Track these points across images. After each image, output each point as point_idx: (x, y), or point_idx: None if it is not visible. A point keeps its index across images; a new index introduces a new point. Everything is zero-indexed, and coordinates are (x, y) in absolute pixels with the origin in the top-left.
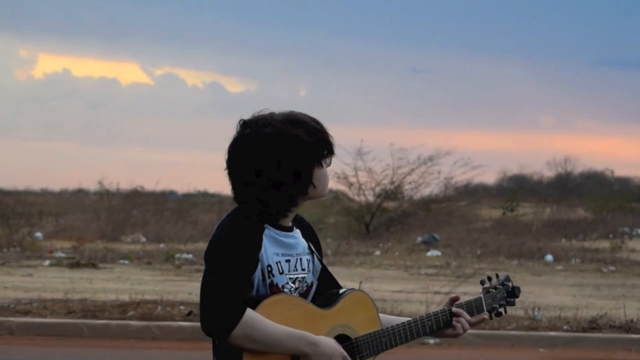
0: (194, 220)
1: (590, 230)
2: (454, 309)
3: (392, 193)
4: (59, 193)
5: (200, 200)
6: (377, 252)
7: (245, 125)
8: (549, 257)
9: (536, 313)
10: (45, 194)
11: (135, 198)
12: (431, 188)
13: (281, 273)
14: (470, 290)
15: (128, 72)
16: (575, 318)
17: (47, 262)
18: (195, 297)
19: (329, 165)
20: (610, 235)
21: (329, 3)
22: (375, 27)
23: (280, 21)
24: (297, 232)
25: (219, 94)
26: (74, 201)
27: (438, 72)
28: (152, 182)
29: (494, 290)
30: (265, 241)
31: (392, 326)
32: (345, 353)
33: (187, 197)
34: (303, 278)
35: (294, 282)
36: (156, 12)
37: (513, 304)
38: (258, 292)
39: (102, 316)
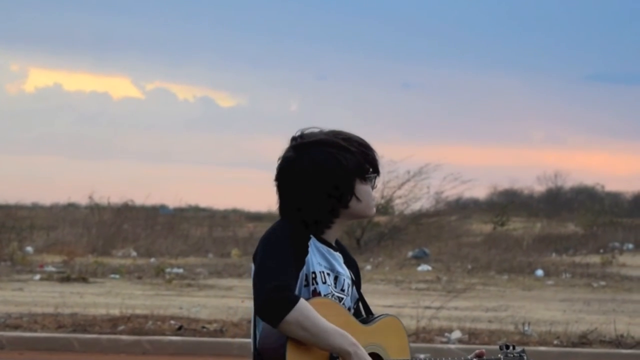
0: (185, 235)
1: (580, 245)
2: None
3: (383, 207)
4: (49, 207)
5: (192, 214)
6: (368, 267)
7: (294, 138)
8: (540, 272)
9: (526, 328)
10: (36, 208)
11: (126, 212)
12: (422, 203)
13: (324, 283)
14: (461, 305)
15: (119, 87)
16: (565, 333)
17: (37, 277)
18: (186, 311)
19: (374, 186)
20: (601, 250)
21: (320, 17)
22: (367, 41)
23: (271, 35)
24: (339, 255)
25: (210, 108)
26: (64, 215)
27: (429, 87)
28: (143, 197)
29: (511, 356)
30: (310, 249)
31: (424, 358)
32: None
33: (178, 211)
34: (342, 299)
35: (332, 297)
36: (147, 27)
37: None
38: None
39: (92, 330)
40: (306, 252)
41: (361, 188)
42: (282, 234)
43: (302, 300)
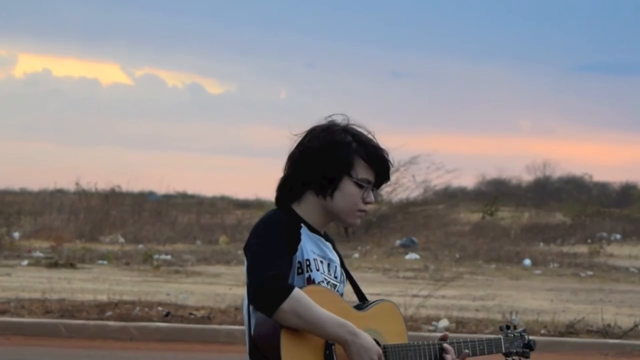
0: (173, 221)
1: (568, 235)
2: (444, 345)
3: None
4: (37, 193)
5: (179, 201)
6: (356, 255)
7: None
8: (527, 262)
9: (513, 317)
10: (24, 193)
11: (114, 198)
12: (410, 191)
13: (318, 270)
14: (448, 294)
15: (108, 73)
16: (552, 322)
17: (25, 262)
18: (174, 297)
19: (360, 191)
20: (589, 240)
21: (310, 5)
22: (356, 30)
23: (261, 23)
24: (328, 244)
25: (199, 95)
26: (52, 201)
27: (419, 76)
28: (131, 183)
29: (512, 336)
30: (303, 237)
31: (420, 342)
32: (380, 351)
33: (166, 197)
34: (335, 285)
35: (327, 284)
36: (137, 13)
37: (528, 355)
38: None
39: (79, 316)
40: (299, 240)
41: (347, 186)
42: (274, 221)
43: (297, 289)
